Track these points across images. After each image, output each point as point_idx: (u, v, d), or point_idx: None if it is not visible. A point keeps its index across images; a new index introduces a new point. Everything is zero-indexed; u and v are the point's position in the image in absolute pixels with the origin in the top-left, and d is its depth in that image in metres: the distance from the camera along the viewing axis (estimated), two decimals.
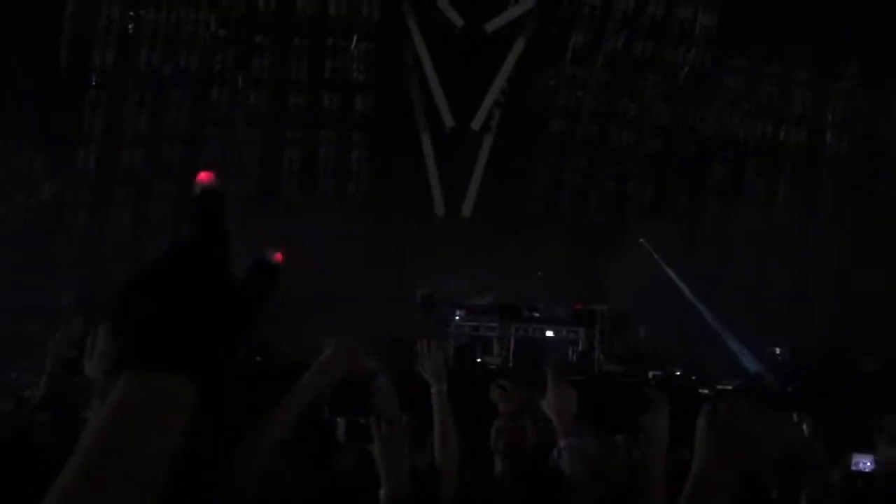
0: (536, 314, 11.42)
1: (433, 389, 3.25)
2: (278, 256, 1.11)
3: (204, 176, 1.00)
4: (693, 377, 11.36)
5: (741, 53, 12.89)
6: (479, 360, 11.15)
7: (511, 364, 11.10)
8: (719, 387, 11.21)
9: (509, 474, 3.17)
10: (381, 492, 2.67)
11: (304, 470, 2.87)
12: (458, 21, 12.71)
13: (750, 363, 11.86)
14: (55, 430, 3.73)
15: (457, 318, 11.43)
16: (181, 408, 0.93)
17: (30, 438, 3.72)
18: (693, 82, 12.91)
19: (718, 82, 12.97)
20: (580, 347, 11.48)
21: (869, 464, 4.20)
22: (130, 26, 12.30)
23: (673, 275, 12.11)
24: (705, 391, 11.07)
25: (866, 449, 4.27)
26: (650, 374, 11.44)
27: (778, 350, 11.87)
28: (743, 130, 13.05)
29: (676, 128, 12.95)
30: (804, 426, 4.07)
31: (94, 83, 12.14)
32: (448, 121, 12.81)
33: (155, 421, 0.92)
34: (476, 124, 12.87)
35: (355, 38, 12.67)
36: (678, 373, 11.34)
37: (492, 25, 12.80)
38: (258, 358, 11.00)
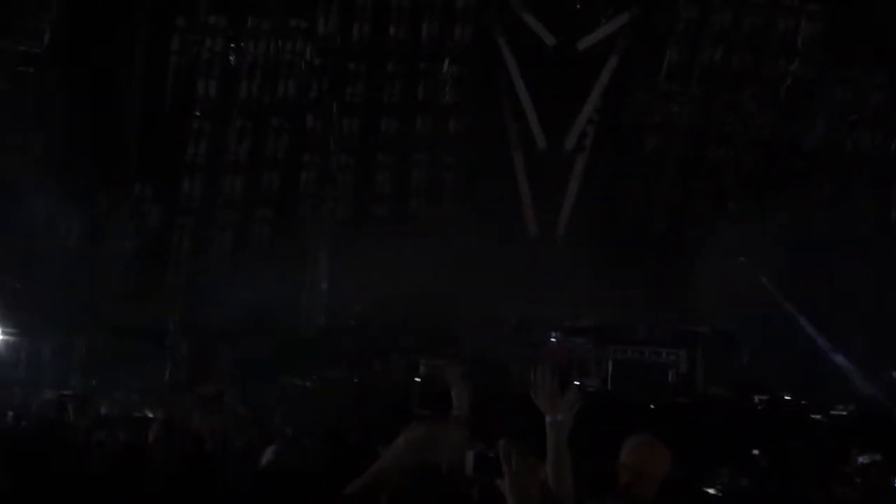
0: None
1: (547, 419, 3.06)
2: None
3: None
4: (804, 402, 10.84)
5: (846, 63, 12.33)
6: (576, 382, 10.95)
7: (610, 387, 10.86)
8: (833, 412, 10.65)
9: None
10: None
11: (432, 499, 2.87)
12: (550, 40, 12.63)
13: (865, 387, 11.24)
14: (168, 446, 3.89)
15: (552, 339, 11.28)
16: None
17: (142, 454, 3.88)
18: (795, 94, 12.41)
19: (822, 94, 12.43)
20: (681, 370, 11.13)
21: None
22: (231, 58, 12.76)
23: (778, 295, 11.61)
24: (817, 417, 10.54)
25: None
26: (756, 398, 10.98)
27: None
28: (850, 143, 12.44)
29: (778, 142, 12.46)
30: None
31: (197, 113, 12.63)
32: (541, 141, 12.72)
33: None
34: (569, 143, 12.74)
35: (447, 61, 12.76)
36: (787, 398, 10.85)
37: (584, 43, 12.66)
38: (355, 380, 11.14)
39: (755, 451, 7.46)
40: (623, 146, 12.78)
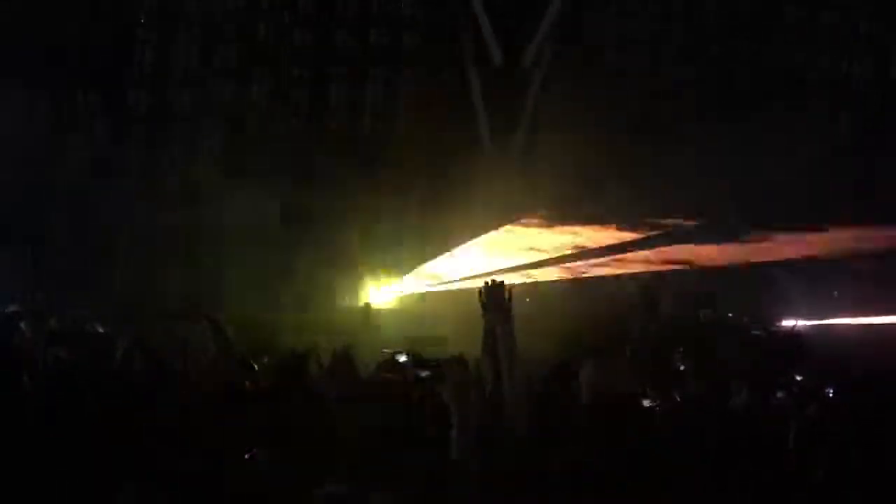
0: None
1: (498, 330, 3.22)
2: None
3: None
4: (745, 318, 11.25)
5: None
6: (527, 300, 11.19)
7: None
8: (772, 328, 11.08)
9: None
10: (451, 433, 2.76)
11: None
12: None
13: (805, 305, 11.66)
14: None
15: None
16: None
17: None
18: (751, 12, 12.39)
19: (778, 12, 12.43)
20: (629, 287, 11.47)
21: None
22: None
23: (731, 216, 11.86)
24: (757, 332, 10.95)
25: None
26: (701, 313, 11.34)
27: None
28: (805, 62, 12.53)
29: (735, 60, 12.48)
30: None
31: (142, 21, 12.19)
32: (497, 57, 12.58)
33: None
34: (527, 60, 12.61)
35: None
36: (730, 314, 11.25)
37: None
38: None
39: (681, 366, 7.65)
40: (582, 62, 12.67)
